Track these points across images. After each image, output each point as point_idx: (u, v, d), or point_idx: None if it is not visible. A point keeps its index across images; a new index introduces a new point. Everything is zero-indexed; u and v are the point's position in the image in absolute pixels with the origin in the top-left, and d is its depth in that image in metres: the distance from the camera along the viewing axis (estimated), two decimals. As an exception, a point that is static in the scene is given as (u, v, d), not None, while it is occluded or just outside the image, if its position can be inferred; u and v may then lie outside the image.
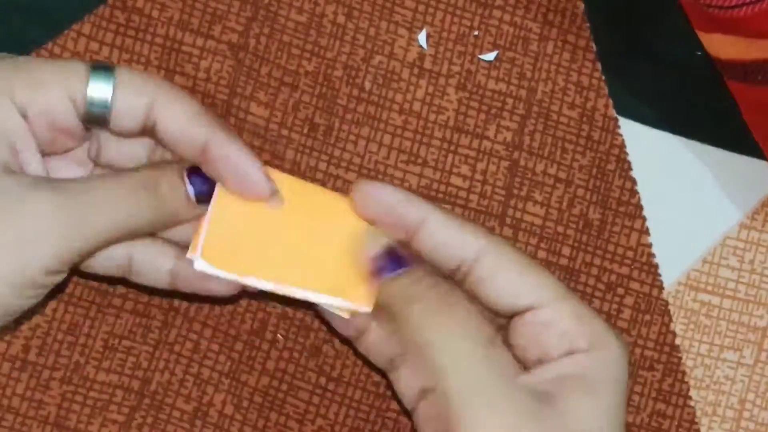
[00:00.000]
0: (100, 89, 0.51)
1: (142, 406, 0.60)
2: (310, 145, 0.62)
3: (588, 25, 0.64)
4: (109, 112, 0.51)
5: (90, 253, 0.50)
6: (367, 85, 0.63)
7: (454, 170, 0.63)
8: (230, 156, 0.52)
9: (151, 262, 0.54)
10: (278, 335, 0.61)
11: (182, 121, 0.52)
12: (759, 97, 0.60)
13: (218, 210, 0.53)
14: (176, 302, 0.61)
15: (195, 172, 0.52)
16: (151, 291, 0.60)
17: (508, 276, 0.51)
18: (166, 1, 0.62)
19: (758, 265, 0.64)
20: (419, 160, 0.63)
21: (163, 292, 0.59)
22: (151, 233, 0.53)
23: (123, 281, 0.56)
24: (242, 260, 0.53)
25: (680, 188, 0.64)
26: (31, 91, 0.50)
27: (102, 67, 0.51)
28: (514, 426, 0.48)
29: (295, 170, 0.62)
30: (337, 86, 0.63)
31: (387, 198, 0.53)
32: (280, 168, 0.61)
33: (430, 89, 0.63)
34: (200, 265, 0.53)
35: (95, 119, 0.51)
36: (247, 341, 0.61)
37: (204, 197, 0.52)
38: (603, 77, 0.64)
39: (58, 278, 0.49)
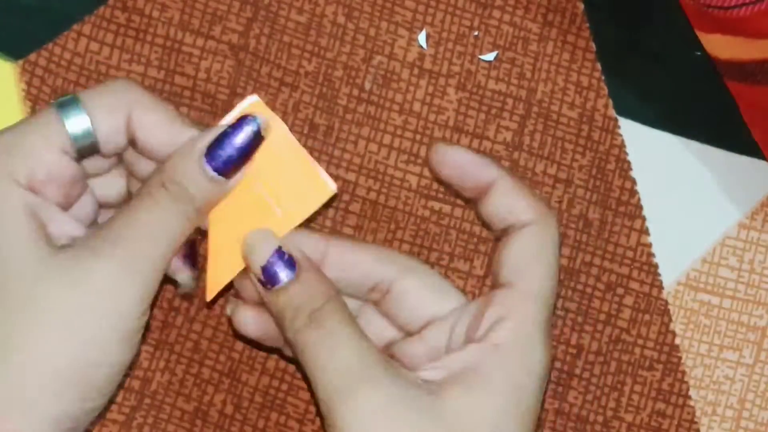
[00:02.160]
0: (77, 123, 0.50)
1: (142, 405, 0.60)
2: (310, 145, 0.62)
3: (588, 25, 0.64)
4: (96, 138, 0.51)
5: (161, 275, 0.51)
6: (367, 85, 0.63)
7: (454, 170, 0.63)
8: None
9: None
10: None
11: (161, 129, 0.52)
12: (758, 96, 0.60)
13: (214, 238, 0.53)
14: (176, 302, 0.61)
15: (209, 153, 0.51)
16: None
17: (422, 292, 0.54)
18: (166, 2, 0.62)
19: (758, 264, 0.64)
20: (419, 160, 0.63)
21: (164, 292, 0.59)
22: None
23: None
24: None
25: (680, 188, 0.64)
26: (28, 165, 0.49)
27: (67, 102, 0.51)
28: (391, 413, 0.48)
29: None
30: (337, 86, 0.63)
31: (461, 158, 0.55)
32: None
33: (430, 89, 0.63)
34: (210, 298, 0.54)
35: (87, 151, 0.51)
36: (247, 341, 0.61)
37: (230, 171, 0.51)
38: (603, 77, 0.64)
39: (148, 315, 0.50)
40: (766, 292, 0.64)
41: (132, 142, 0.52)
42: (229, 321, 0.56)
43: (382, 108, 0.63)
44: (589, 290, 0.63)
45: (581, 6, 0.64)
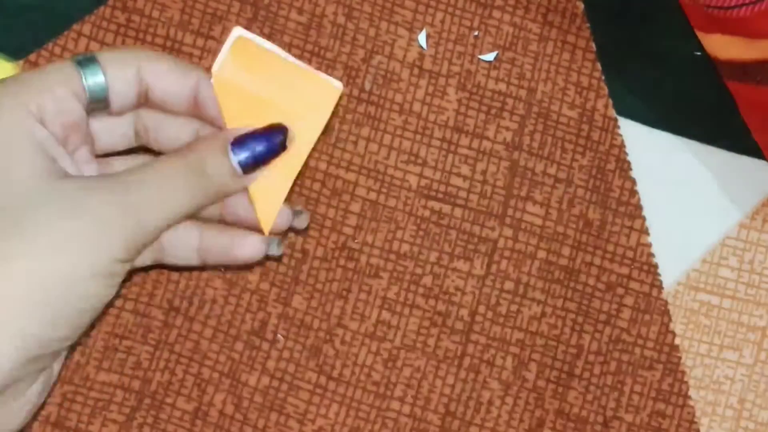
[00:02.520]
0: (93, 77, 0.52)
1: (142, 406, 0.60)
2: (311, 145, 0.62)
3: (588, 25, 0.64)
4: (107, 93, 0.52)
5: (151, 243, 0.52)
6: (367, 85, 0.63)
7: (454, 170, 0.63)
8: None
9: (181, 243, 0.55)
10: (278, 335, 0.61)
11: (170, 75, 0.53)
12: (758, 97, 0.60)
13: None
14: (176, 302, 0.61)
15: (236, 143, 0.53)
16: (152, 291, 0.60)
17: None
18: (166, 2, 0.62)
19: (758, 265, 0.64)
20: (419, 160, 0.63)
21: (164, 292, 0.59)
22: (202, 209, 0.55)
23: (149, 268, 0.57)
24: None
25: (680, 188, 0.64)
26: (41, 97, 0.51)
27: (85, 58, 0.52)
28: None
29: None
30: (337, 86, 0.63)
31: None
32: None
33: (430, 89, 0.63)
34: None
35: (98, 105, 0.53)
36: (247, 341, 0.61)
37: (250, 167, 0.53)
38: (603, 77, 0.64)
39: (128, 267, 0.51)
40: (766, 293, 0.64)
41: (143, 98, 0.54)
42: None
43: (382, 108, 0.63)
44: (589, 290, 0.63)
45: (581, 6, 0.64)
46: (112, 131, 0.55)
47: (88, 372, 0.60)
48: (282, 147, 0.53)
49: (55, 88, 0.51)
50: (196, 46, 0.62)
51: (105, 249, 0.49)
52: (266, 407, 0.61)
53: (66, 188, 0.49)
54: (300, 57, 0.62)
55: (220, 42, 0.62)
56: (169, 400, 0.60)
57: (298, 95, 0.54)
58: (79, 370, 0.60)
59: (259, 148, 0.53)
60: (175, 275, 0.61)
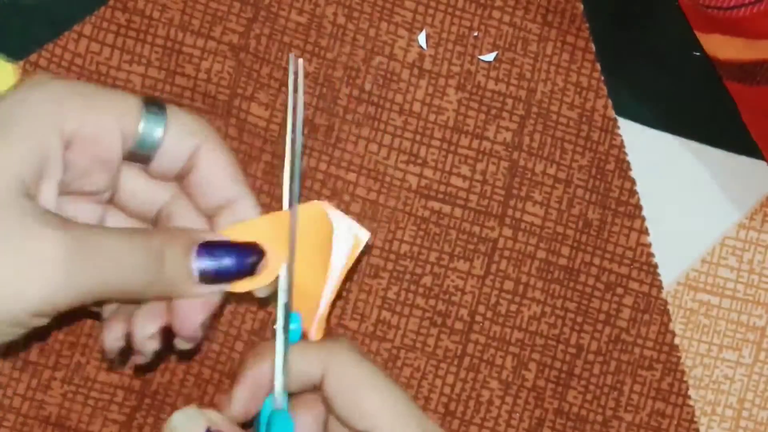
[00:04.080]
0: (152, 127, 0.48)
1: (143, 406, 0.60)
2: (311, 146, 0.62)
3: (587, 25, 0.64)
4: (156, 151, 0.49)
5: (79, 304, 0.46)
6: (368, 85, 0.63)
7: (454, 170, 0.63)
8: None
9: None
10: None
11: (222, 171, 0.50)
12: (757, 97, 0.61)
13: None
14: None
15: (205, 248, 0.49)
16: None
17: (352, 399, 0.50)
18: (166, 2, 0.62)
19: (757, 264, 0.64)
20: (419, 161, 0.63)
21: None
22: (142, 300, 0.50)
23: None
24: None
25: (679, 188, 0.64)
26: (85, 115, 0.47)
27: (155, 104, 0.49)
28: None
29: (295, 170, 0.62)
30: (338, 87, 0.63)
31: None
32: (280, 167, 0.61)
33: (430, 90, 0.63)
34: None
35: (140, 157, 0.49)
36: (248, 341, 0.61)
37: (209, 278, 0.49)
38: (602, 77, 0.64)
39: (42, 322, 0.46)
40: (765, 292, 0.64)
41: (183, 173, 0.50)
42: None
43: (382, 108, 0.63)
44: (588, 290, 0.63)
45: (581, 6, 0.64)
46: (139, 196, 0.52)
47: (88, 372, 0.60)
48: (252, 269, 0.49)
49: (106, 116, 0.48)
50: (196, 47, 0.62)
51: (22, 298, 0.45)
52: (266, 407, 0.61)
53: (22, 209, 0.45)
54: (300, 57, 0.62)
55: (221, 42, 0.62)
56: (169, 400, 0.60)
57: (329, 242, 0.52)
58: (80, 370, 0.60)
59: (226, 261, 0.49)
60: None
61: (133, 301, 0.49)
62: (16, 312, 0.45)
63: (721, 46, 0.60)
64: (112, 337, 0.50)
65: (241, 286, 0.50)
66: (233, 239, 0.50)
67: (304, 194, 0.62)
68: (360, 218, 0.62)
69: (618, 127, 0.64)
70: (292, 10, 0.63)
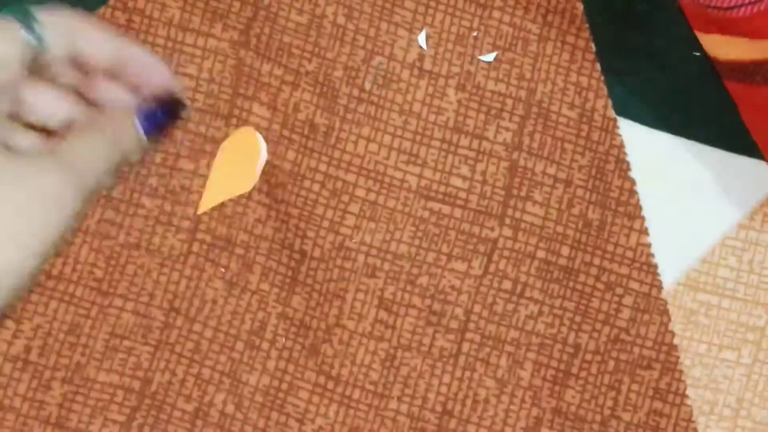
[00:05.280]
0: (34, 35, 0.52)
1: (142, 406, 0.60)
2: (311, 146, 0.62)
3: (587, 25, 0.64)
4: (42, 49, 0.53)
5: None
6: (368, 85, 0.63)
7: (454, 170, 0.63)
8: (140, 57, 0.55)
9: None
10: (279, 338, 0.62)
11: (104, 44, 0.54)
12: (757, 97, 0.60)
13: None
14: (177, 303, 0.61)
15: (140, 116, 0.54)
16: (152, 292, 0.61)
17: None
18: (166, 2, 0.62)
19: (757, 265, 0.64)
20: (419, 161, 0.63)
21: (164, 293, 0.59)
22: None
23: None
24: None
25: (679, 188, 0.64)
26: None
27: (26, 14, 0.52)
28: None
29: (295, 170, 0.62)
30: (338, 86, 0.63)
31: None
32: (280, 167, 0.61)
33: (430, 90, 0.63)
34: None
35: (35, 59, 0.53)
36: (247, 341, 0.61)
37: (152, 135, 0.54)
38: (602, 77, 0.64)
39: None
40: (765, 292, 0.64)
41: (72, 62, 0.54)
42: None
43: (382, 108, 0.63)
44: (588, 290, 0.63)
45: (581, 6, 0.64)
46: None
47: (88, 372, 0.60)
48: (176, 115, 0.54)
49: (7, 60, 0.51)
50: (197, 46, 0.62)
51: (53, 218, 0.50)
52: (266, 407, 0.61)
53: (21, 161, 0.50)
54: (300, 57, 0.63)
55: (221, 41, 0.62)
56: (169, 401, 0.61)
57: None
58: (80, 371, 0.60)
59: (160, 118, 0.53)
60: (175, 276, 0.61)
61: None
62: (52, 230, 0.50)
63: (721, 46, 0.60)
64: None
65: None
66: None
67: (302, 194, 0.62)
68: (359, 218, 0.62)
69: (618, 127, 0.64)
70: (292, 10, 0.63)
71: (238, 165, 0.62)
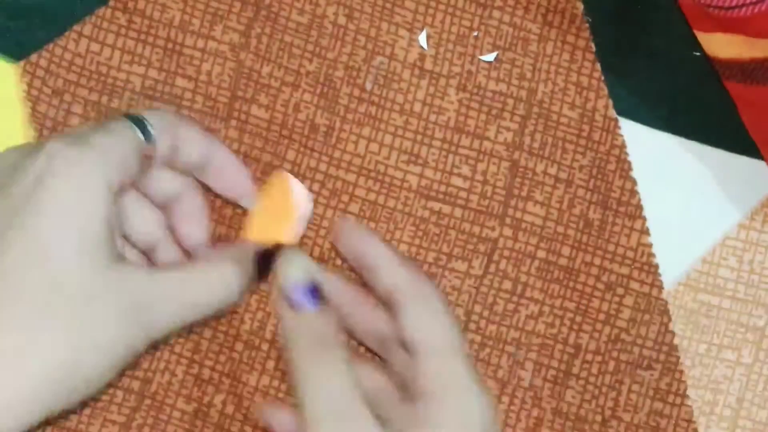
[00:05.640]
0: (146, 138, 0.54)
1: (142, 406, 0.60)
2: (311, 146, 0.62)
3: (587, 25, 0.64)
4: (153, 150, 0.54)
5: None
6: (368, 85, 0.63)
7: (455, 171, 0.63)
8: (228, 166, 0.58)
9: None
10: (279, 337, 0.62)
11: (198, 141, 0.57)
12: (757, 97, 0.60)
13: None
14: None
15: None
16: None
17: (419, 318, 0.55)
18: (167, 3, 0.62)
19: (757, 265, 0.64)
20: (420, 161, 0.63)
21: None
22: None
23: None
24: None
25: (680, 188, 0.64)
26: (118, 170, 0.52)
27: (137, 119, 0.54)
28: None
29: (295, 171, 0.62)
30: (338, 86, 0.63)
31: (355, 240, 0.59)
32: (281, 168, 0.61)
33: (431, 90, 0.63)
34: None
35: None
36: (247, 341, 0.61)
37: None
38: (603, 77, 0.64)
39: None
40: (766, 293, 0.64)
41: (172, 159, 0.56)
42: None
43: (382, 108, 0.63)
44: (588, 290, 0.63)
45: (581, 6, 0.64)
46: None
47: (88, 373, 0.60)
48: (269, 269, 0.56)
49: (131, 161, 0.53)
50: (197, 48, 0.62)
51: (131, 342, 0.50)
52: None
53: (115, 273, 0.50)
54: (301, 57, 0.62)
55: (221, 42, 0.62)
56: (169, 401, 0.61)
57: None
58: (80, 371, 0.60)
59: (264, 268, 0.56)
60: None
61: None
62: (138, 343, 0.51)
63: (721, 46, 0.60)
64: None
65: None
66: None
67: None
68: (359, 218, 0.62)
69: (619, 127, 0.64)
70: (292, 10, 0.63)
71: (277, 214, 0.61)
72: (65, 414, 0.53)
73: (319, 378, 0.52)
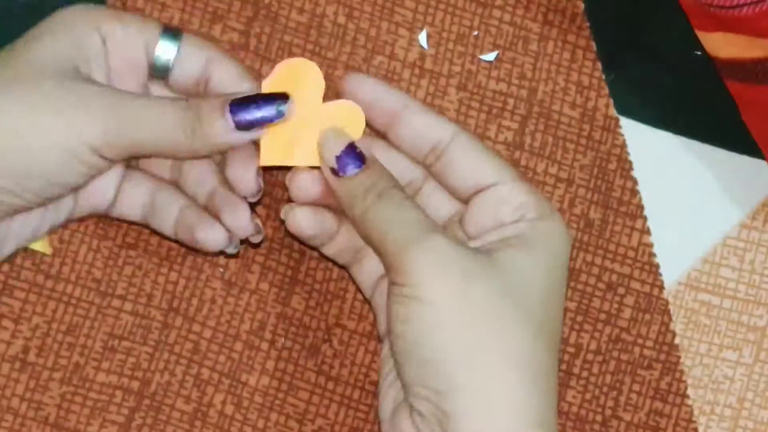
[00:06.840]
0: (166, 50, 0.57)
1: (141, 407, 0.60)
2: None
3: (588, 24, 0.64)
4: (171, 70, 0.57)
5: (129, 155, 0.55)
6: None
7: (455, 170, 0.63)
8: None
9: (166, 208, 0.58)
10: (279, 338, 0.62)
11: (232, 75, 0.57)
12: (758, 96, 0.60)
13: None
14: (176, 303, 0.61)
15: (236, 104, 0.55)
16: (151, 292, 0.61)
17: (475, 156, 0.56)
18: (166, 2, 0.62)
19: (758, 265, 0.64)
20: (419, 160, 0.63)
21: (163, 293, 0.59)
22: (186, 158, 0.58)
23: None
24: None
25: (681, 188, 0.64)
26: (115, 25, 0.56)
27: (171, 32, 0.57)
28: (458, 282, 0.52)
29: (295, 170, 0.62)
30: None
31: (372, 87, 0.57)
32: (280, 167, 0.61)
33: (431, 89, 0.63)
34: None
35: (159, 71, 0.57)
36: (247, 341, 0.61)
37: (244, 125, 0.55)
38: (603, 77, 0.64)
39: (101, 164, 0.55)
40: (767, 293, 0.64)
41: (201, 86, 0.58)
42: (283, 223, 0.58)
43: (382, 107, 0.63)
44: (589, 290, 0.63)
45: (581, 5, 0.64)
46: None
47: (87, 373, 0.60)
48: (280, 115, 0.55)
49: (132, 28, 0.56)
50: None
51: (83, 134, 0.53)
52: (266, 407, 0.61)
53: (77, 84, 0.54)
54: (301, 56, 0.62)
55: (221, 41, 0.62)
56: (168, 401, 0.61)
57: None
58: (78, 371, 0.60)
59: (258, 113, 0.55)
60: (174, 276, 0.61)
61: (172, 157, 0.58)
62: (78, 146, 0.53)
63: (722, 45, 0.60)
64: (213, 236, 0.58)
65: (273, 159, 0.56)
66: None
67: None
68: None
69: (620, 127, 0.64)
70: (292, 10, 0.63)
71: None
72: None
73: (391, 215, 0.54)
